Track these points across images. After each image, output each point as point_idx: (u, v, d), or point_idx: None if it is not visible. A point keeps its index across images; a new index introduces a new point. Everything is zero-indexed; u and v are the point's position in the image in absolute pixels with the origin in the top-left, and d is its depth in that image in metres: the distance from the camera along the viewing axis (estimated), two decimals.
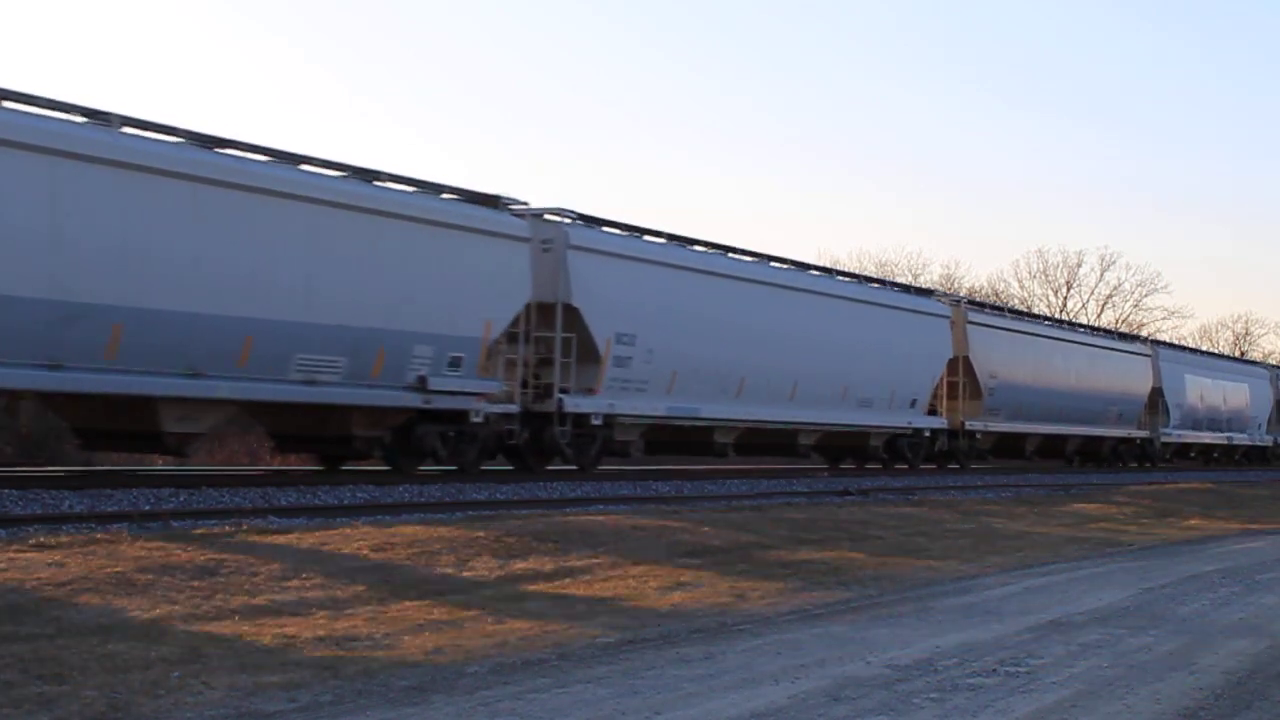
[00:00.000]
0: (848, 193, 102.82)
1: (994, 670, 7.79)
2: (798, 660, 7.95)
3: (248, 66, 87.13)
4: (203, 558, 10.15)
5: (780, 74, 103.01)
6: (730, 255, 27.07)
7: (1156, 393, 44.47)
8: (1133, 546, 17.19)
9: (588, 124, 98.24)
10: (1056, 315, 65.47)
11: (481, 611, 9.39)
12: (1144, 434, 44.11)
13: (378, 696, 6.70)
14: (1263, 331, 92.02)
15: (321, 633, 8.25)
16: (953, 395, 33.54)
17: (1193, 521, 22.38)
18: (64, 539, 10.63)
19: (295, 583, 9.75)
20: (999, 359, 35.30)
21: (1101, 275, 78.42)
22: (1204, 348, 72.37)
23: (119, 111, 16.08)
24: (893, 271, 66.36)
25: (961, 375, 33.87)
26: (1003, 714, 6.67)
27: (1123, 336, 48.27)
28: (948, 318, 33.52)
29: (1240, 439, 52.60)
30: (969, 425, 34.15)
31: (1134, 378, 43.26)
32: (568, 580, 11.05)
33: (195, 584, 9.34)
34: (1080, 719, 6.67)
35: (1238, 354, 75.05)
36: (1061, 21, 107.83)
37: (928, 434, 32.53)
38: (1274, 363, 69.29)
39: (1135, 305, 78.45)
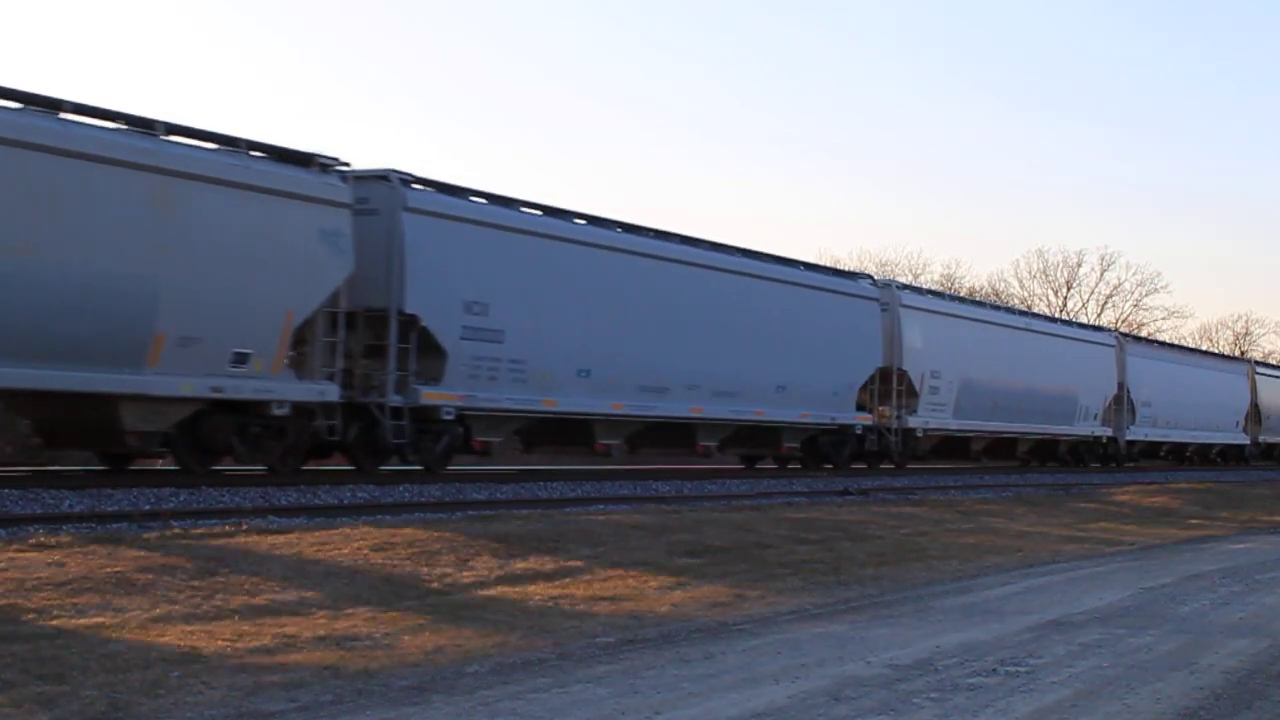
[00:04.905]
0: (848, 193, 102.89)
1: (994, 670, 7.78)
2: (798, 660, 7.94)
3: (248, 66, 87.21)
4: (203, 558, 10.15)
5: (781, 74, 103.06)
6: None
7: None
8: (1133, 546, 17.18)
9: (588, 124, 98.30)
10: (1054, 314, 65.31)
11: (482, 611, 9.39)
12: None
13: (378, 696, 6.70)
14: (1263, 331, 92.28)
15: (321, 633, 8.25)
16: None
17: (1193, 521, 22.38)
18: (64, 539, 10.63)
19: (295, 583, 9.75)
20: None
21: (1101, 275, 78.67)
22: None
23: None
24: (894, 272, 66.38)
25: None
26: (1003, 714, 6.66)
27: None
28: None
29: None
30: None
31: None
32: (568, 580, 11.04)
33: (195, 584, 9.33)
34: (1080, 719, 6.66)
35: (1239, 354, 74.68)
36: (1062, 22, 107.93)
37: None
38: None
39: (1135, 305, 78.65)
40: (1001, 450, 37.34)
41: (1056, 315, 52.68)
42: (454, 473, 21.23)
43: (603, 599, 10.25)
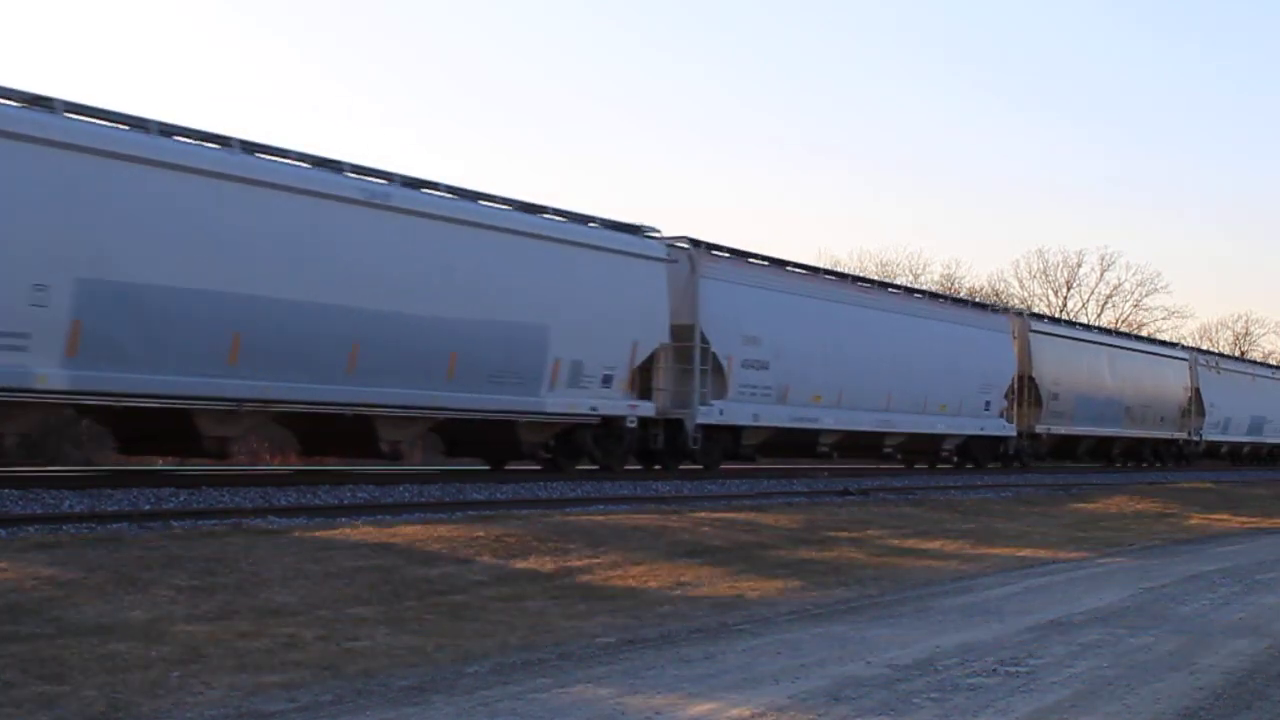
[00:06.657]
0: (848, 193, 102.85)
1: (994, 670, 7.79)
2: (798, 660, 7.94)
3: (248, 66, 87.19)
4: (203, 558, 10.15)
5: (781, 74, 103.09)
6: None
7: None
8: (1133, 546, 17.19)
9: (588, 124, 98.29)
10: (1055, 315, 65.21)
11: (482, 611, 9.39)
12: None
13: (378, 696, 6.70)
14: (1263, 331, 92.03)
15: (321, 633, 8.25)
16: None
17: (1193, 521, 22.38)
18: (64, 539, 10.63)
19: (295, 583, 9.75)
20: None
21: (1101, 275, 78.46)
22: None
23: None
24: (893, 273, 66.29)
25: None
26: (1003, 714, 6.67)
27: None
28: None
29: None
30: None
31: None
32: (568, 580, 11.05)
33: (195, 584, 9.34)
34: (1080, 719, 6.67)
35: (1238, 354, 74.60)
36: (1062, 22, 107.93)
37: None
38: None
39: (1135, 305, 78.49)
40: (350, 442, 19.72)
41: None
42: (454, 472, 21.39)
43: (603, 599, 10.25)
